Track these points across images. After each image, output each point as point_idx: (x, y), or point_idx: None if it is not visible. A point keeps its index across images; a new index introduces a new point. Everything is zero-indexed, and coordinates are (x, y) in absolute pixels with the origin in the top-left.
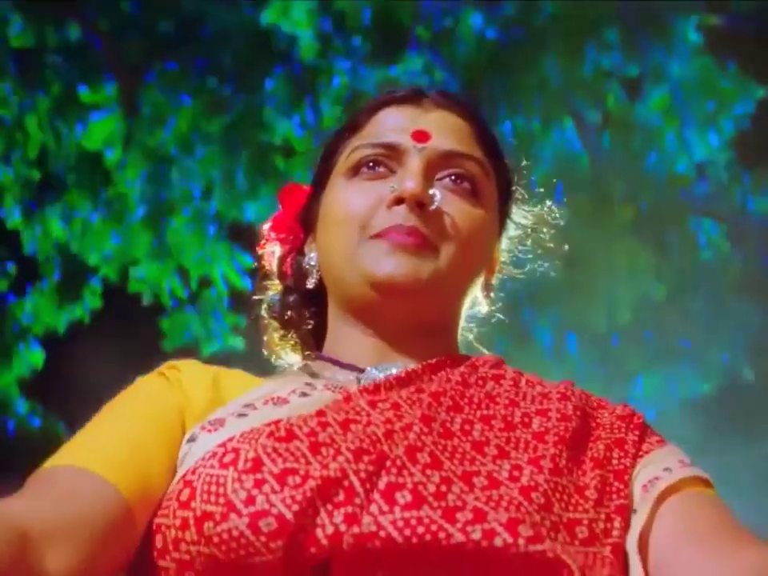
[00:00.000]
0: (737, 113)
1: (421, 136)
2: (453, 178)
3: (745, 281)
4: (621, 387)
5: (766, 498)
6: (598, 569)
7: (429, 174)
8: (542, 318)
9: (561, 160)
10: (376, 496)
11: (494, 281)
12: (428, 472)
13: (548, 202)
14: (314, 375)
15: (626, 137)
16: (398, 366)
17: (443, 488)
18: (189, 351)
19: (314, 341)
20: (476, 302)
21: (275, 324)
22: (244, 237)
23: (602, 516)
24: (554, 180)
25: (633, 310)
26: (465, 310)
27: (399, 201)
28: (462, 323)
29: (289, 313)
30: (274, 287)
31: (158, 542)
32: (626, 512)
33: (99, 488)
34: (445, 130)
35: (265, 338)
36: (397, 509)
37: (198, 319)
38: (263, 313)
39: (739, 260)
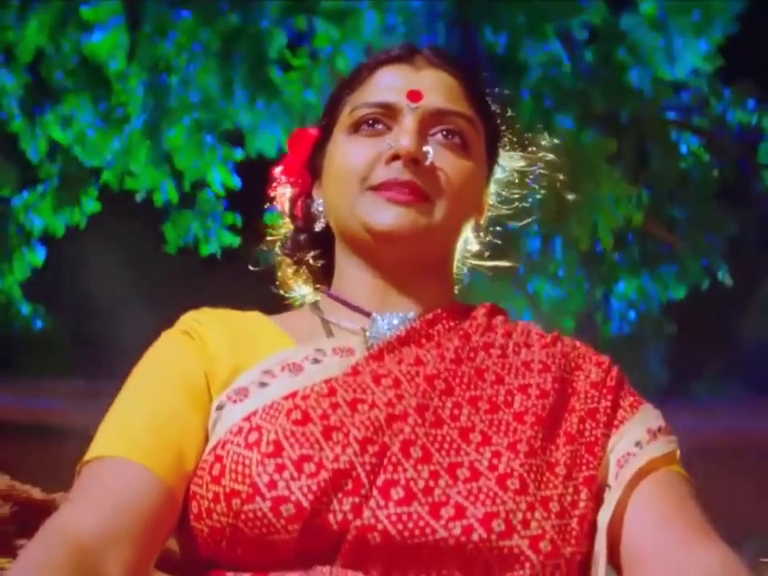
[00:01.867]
0: (721, 25)
1: (414, 96)
2: (444, 133)
3: (723, 189)
4: (603, 289)
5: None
6: (569, 540)
7: (422, 131)
8: (529, 228)
9: (547, 76)
10: (375, 492)
11: (483, 221)
12: (419, 467)
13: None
14: (324, 321)
15: (611, 50)
16: (400, 316)
17: (431, 483)
18: (188, 252)
19: (323, 276)
20: (468, 240)
21: (288, 261)
22: (238, 141)
23: (570, 489)
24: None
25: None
26: (458, 249)
27: (396, 157)
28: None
29: (300, 251)
30: (286, 226)
31: (194, 507)
32: (594, 482)
33: (144, 481)
34: (436, 88)
35: (279, 274)
36: (391, 504)
37: (196, 220)
38: (277, 250)
39: (718, 169)
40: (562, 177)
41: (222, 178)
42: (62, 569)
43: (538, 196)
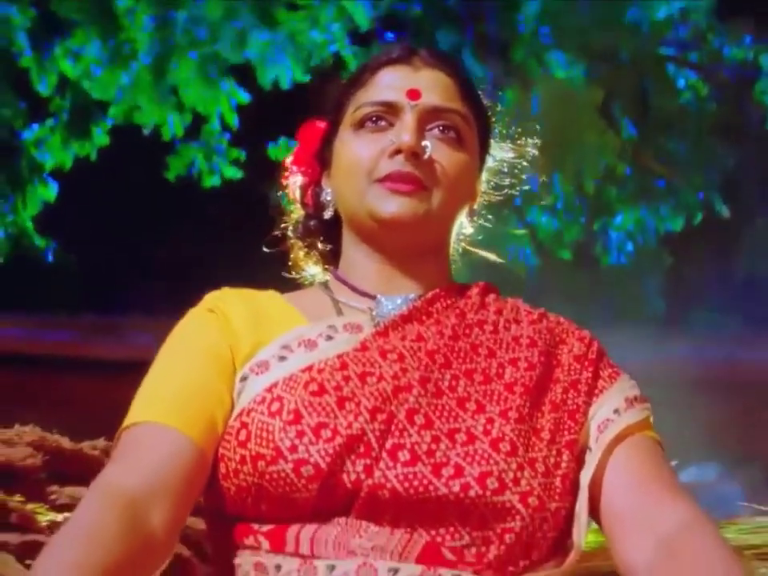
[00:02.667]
0: None
1: (413, 94)
2: (441, 128)
3: (720, 123)
4: (602, 221)
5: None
6: (553, 496)
7: (421, 127)
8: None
9: (545, 11)
10: (384, 454)
11: (476, 206)
12: (422, 432)
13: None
14: (334, 301)
15: None
16: (403, 297)
17: (433, 446)
18: (191, 183)
19: (331, 257)
20: (463, 224)
21: (299, 244)
22: (243, 76)
23: (554, 452)
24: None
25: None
26: (454, 233)
27: (398, 151)
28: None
29: (310, 235)
30: (297, 212)
31: (222, 468)
32: (576, 446)
33: (179, 443)
34: (433, 87)
35: (291, 256)
36: (398, 465)
37: (200, 153)
38: (289, 234)
39: (715, 104)
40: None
41: (225, 115)
42: (112, 523)
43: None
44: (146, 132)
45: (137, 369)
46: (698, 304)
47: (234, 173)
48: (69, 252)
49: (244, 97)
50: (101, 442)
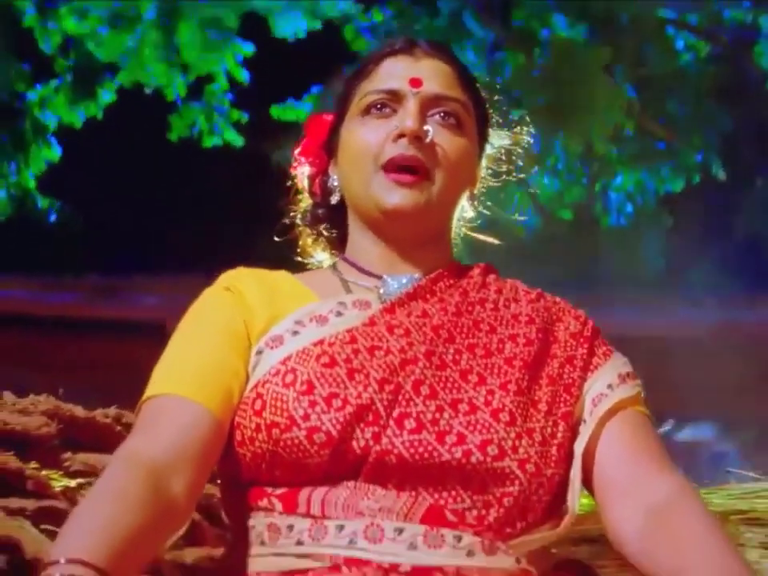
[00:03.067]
0: None
1: (415, 82)
2: (441, 115)
3: (719, 85)
4: (602, 182)
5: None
6: (549, 463)
7: (423, 113)
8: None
9: None
10: (391, 422)
11: (476, 191)
12: (427, 402)
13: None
14: (343, 281)
15: None
16: (408, 276)
17: (437, 415)
18: (192, 144)
19: (338, 243)
20: (464, 208)
21: (308, 231)
22: (248, 31)
23: (550, 422)
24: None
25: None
26: (455, 217)
27: (401, 135)
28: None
29: (318, 223)
30: (305, 201)
31: (238, 436)
32: (571, 418)
33: (198, 415)
34: (434, 75)
35: (300, 243)
36: (405, 432)
37: (202, 113)
38: (298, 221)
39: (714, 66)
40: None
41: (231, 71)
42: (136, 490)
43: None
44: (148, 92)
45: (140, 329)
46: (697, 265)
47: (234, 136)
48: (72, 212)
49: (248, 49)
50: (112, 410)
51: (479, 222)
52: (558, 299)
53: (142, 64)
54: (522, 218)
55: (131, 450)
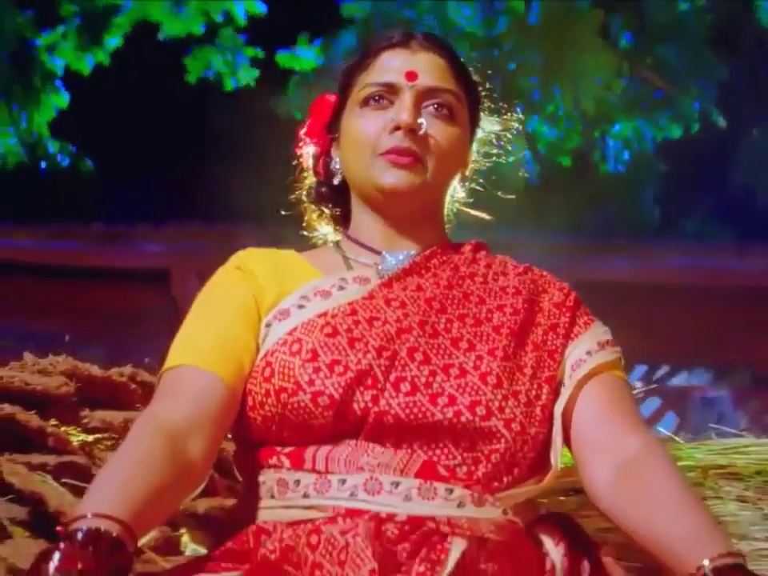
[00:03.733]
0: None
1: (411, 76)
2: (435, 106)
3: (717, 34)
4: (601, 130)
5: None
6: (533, 423)
7: (417, 105)
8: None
9: None
10: (388, 386)
11: (468, 173)
12: (421, 367)
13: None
14: (345, 258)
15: None
16: (404, 253)
17: (430, 379)
18: (210, 86)
19: (341, 219)
20: (456, 189)
21: (312, 207)
22: None
23: (535, 385)
24: None
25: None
26: (448, 197)
27: (397, 128)
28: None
29: (322, 200)
30: (310, 179)
31: (249, 401)
32: (554, 381)
33: (214, 384)
34: (428, 69)
35: (305, 218)
36: (401, 395)
37: (216, 55)
38: (303, 198)
39: (712, 14)
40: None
41: (246, 6)
42: (158, 451)
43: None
44: (161, 37)
45: (144, 276)
46: (692, 213)
47: (249, 75)
48: (83, 155)
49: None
50: (128, 369)
51: (480, 175)
52: (544, 272)
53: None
54: (521, 169)
55: (153, 415)
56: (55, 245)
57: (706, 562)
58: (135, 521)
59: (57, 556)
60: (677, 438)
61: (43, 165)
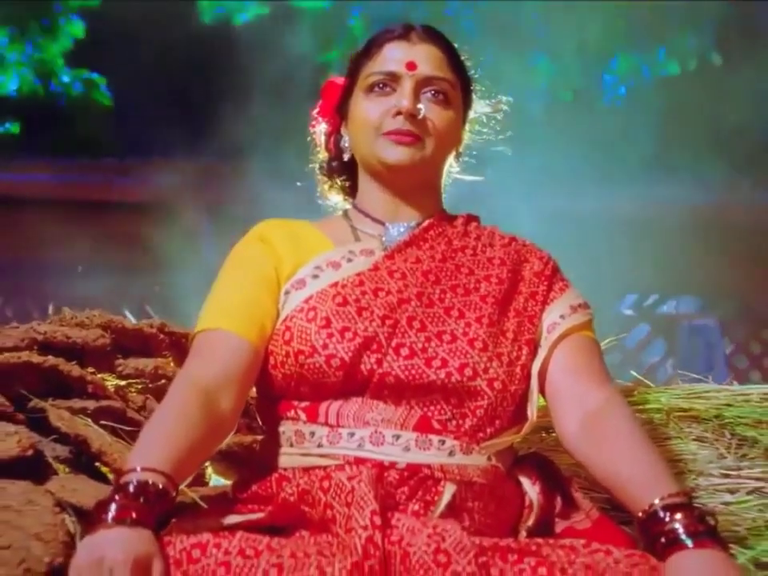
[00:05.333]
0: None
1: (411, 66)
2: (432, 92)
3: None
4: (599, 65)
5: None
6: (514, 381)
7: (416, 92)
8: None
9: None
10: (390, 350)
11: (461, 149)
12: (418, 334)
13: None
14: (353, 228)
15: None
16: (405, 225)
17: (426, 344)
18: (223, 25)
19: (350, 190)
20: (451, 164)
21: (324, 179)
22: None
23: (516, 347)
24: None
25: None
26: (444, 171)
27: (399, 113)
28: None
29: (333, 173)
30: (322, 154)
31: (271, 360)
32: (532, 343)
33: (240, 345)
34: (426, 59)
35: (318, 188)
36: (401, 359)
37: None
38: (316, 171)
39: None
40: None
41: None
42: (194, 406)
43: None
44: None
45: (156, 209)
46: (687, 148)
47: (259, 11)
48: (96, 82)
49: None
50: (156, 321)
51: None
52: (527, 241)
53: None
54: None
55: (188, 375)
56: (71, 178)
57: (657, 501)
58: (176, 471)
59: (113, 507)
60: (647, 382)
61: (58, 97)
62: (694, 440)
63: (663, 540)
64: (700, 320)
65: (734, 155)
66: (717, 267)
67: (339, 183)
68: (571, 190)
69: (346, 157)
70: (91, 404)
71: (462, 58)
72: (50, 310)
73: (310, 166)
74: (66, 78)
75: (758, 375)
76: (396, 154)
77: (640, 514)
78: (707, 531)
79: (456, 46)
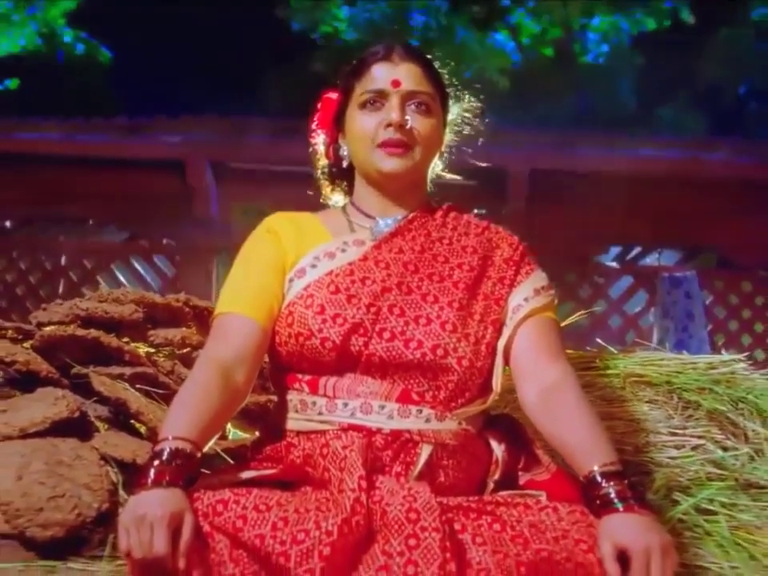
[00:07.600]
0: None
1: (395, 83)
2: (416, 104)
3: None
4: (581, 23)
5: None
6: (479, 358)
7: (402, 105)
8: None
9: None
10: (374, 334)
11: (444, 149)
12: (398, 319)
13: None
14: (350, 222)
15: None
16: (392, 219)
17: (405, 328)
18: None
19: (348, 190)
20: (435, 164)
21: (326, 182)
22: None
23: (482, 327)
24: None
25: None
26: (430, 170)
27: (390, 124)
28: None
29: (332, 177)
30: (323, 161)
31: (277, 339)
32: (498, 324)
33: (253, 327)
34: (408, 76)
35: (321, 191)
36: (383, 341)
37: None
38: (318, 175)
39: None
40: None
41: None
42: (215, 382)
43: None
44: None
45: (163, 165)
46: (665, 104)
47: None
48: (97, 44)
49: None
50: (182, 296)
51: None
52: (500, 229)
53: None
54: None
55: (210, 354)
56: (81, 137)
57: (596, 467)
58: (201, 438)
59: (152, 471)
60: (611, 348)
61: (60, 56)
62: (647, 402)
63: (599, 502)
64: (680, 272)
65: (711, 113)
66: (696, 221)
67: (339, 186)
68: (553, 145)
69: (344, 164)
70: (128, 371)
71: (438, 69)
72: (63, 261)
73: (313, 171)
74: (66, 39)
75: (735, 325)
76: (390, 164)
77: (581, 479)
78: (635, 497)
79: (430, 58)
